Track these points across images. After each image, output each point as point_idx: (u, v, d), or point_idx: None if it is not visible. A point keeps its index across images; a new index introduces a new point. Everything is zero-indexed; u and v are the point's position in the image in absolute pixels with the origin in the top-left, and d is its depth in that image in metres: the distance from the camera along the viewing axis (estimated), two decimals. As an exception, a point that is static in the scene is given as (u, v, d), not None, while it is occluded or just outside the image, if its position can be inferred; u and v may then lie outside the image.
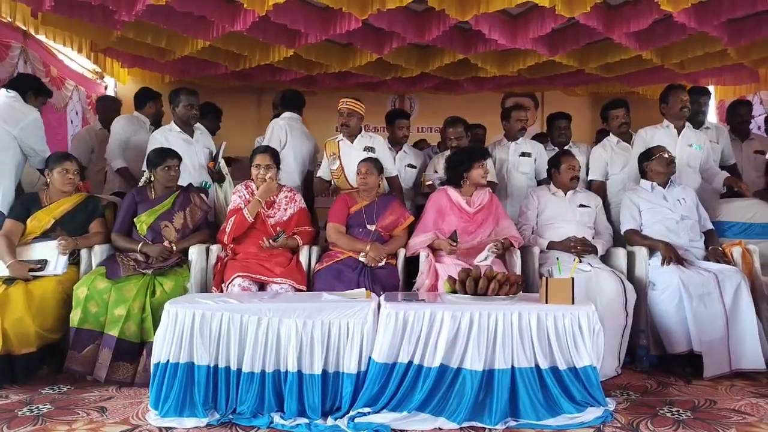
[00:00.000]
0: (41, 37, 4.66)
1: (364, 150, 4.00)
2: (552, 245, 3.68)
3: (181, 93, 4.09)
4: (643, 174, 3.85)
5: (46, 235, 3.39)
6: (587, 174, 4.49)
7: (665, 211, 3.67)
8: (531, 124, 5.59)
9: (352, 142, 4.07)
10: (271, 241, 3.42)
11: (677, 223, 3.63)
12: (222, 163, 4.12)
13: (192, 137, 4.12)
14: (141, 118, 4.55)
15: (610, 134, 4.46)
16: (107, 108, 4.90)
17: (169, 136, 4.02)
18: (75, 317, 3.07)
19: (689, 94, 4.50)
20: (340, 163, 4.00)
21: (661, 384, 3.12)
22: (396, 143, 4.62)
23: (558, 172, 3.87)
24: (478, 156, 3.64)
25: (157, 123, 4.67)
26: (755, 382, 3.13)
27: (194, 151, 4.07)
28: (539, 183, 4.46)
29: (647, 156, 3.80)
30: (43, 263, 3.27)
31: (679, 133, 4.10)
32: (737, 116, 4.82)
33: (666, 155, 3.72)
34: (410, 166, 4.57)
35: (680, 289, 3.25)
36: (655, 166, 3.75)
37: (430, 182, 4.15)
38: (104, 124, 4.70)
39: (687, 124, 4.16)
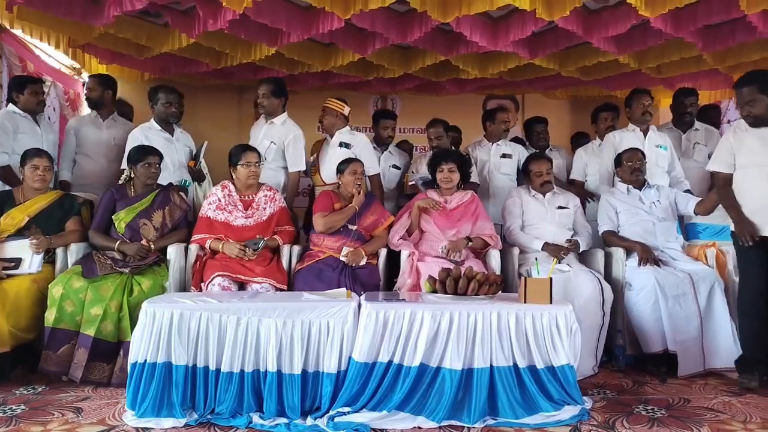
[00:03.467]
0: (18, 32, 4.57)
1: (339, 146, 4.02)
2: (546, 247, 3.66)
3: (159, 91, 4.06)
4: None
5: (20, 234, 3.33)
6: (568, 176, 4.60)
7: (641, 213, 3.73)
8: (512, 126, 5.64)
9: (331, 139, 4.08)
10: (251, 249, 3.35)
11: (653, 225, 3.70)
12: (203, 162, 4.08)
13: (172, 135, 4.08)
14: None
15: (599, 137, 4.54)
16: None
17: (149, 134, 3.98)
18: (50, 316, 3.03)
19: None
20: (317, 158, 4.02)
21: (636, 383, 3.17)
22: (381, 143, 4.65)
23: (529, 179, 3.94)
24: (441, 159, 3.74)
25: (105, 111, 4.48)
26: (728, 381, 3.19)
27: (174, 150, 4.04)
28: (519, 185, 4.51)
29: (617, 162, 3.92)
30: (18, 261, 3.21)
31: (645, 136, 4.22)
32: (707, 119, 4.91)
33: (630, 164, 3.81)
34: (394, 167, 4.59)
35: (656, 289, 3.31)
36: (621, 173, 3.90)
37: (413, 182, 4.17)
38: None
39: (651, 126, 4.31)
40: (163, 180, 3.74)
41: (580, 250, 3.73)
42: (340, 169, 3.70)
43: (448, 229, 3.62)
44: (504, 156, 4.59)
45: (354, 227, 3.58)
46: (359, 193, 3.62)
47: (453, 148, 4.66)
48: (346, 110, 4.17)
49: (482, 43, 4.24)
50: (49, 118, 4.99)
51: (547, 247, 3.66)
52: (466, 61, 4.95)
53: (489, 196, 4.56)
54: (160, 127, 4.03)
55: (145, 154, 3.54)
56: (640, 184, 3.83)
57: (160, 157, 3.61)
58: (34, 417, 2.54)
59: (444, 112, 4.92)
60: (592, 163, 4.48)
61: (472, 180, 4.23)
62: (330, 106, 4.15)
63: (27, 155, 3.47)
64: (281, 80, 4.40)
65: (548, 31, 4.44)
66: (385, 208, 3.84)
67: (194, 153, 4.16)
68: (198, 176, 4.06)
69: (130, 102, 5.19)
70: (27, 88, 3.91)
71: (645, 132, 4.25)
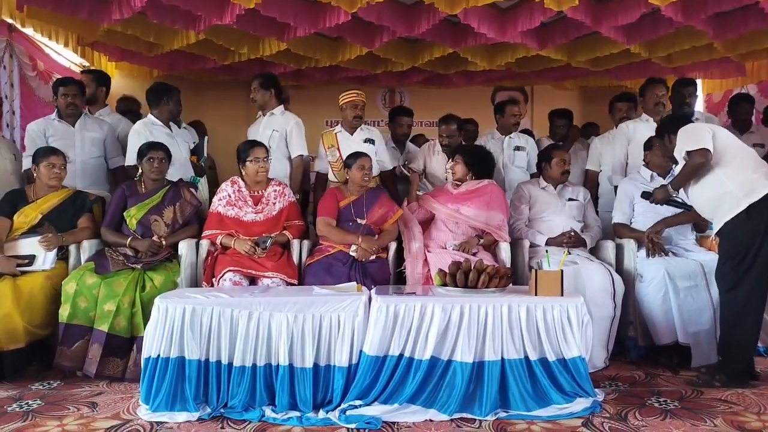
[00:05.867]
0: (28, 31, 4.60)
1: (364, 142, 4.02)
2: (549, 242, 3.68)
3: (173, 91, 4.06)
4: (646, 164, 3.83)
5: (33, 231, 3.37)
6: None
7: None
8: (522, 118, 5.61)
9: (351, 134, 4.07)
10: (260, 248, 3.35)
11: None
12: (204, 157, 4.10)
13: (172, 131, 4.08)
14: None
15: (615, 126, 4.49)
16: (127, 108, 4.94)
17: (152, 129, 3.96)
18: (64, 313, 3.06)
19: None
20: (340, 154, 4.01)
21: (649, 375, 3.15)
22: (397, 141, 4.64)
23: (549, 166, 3.88)
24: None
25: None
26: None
27: (177, 145, 4.01)
28: (532, 176, 4.49)
29: (648, 145, 3.77)
30: (31, 258, 3.25)
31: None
32: (740, 112, 4.84)
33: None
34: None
35: (666, 281, 3.27)
36: (650, 157, 3.75)
37: (400, 172, 4.20)
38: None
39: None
40: (167, 176, 3.74)
41: (588, 247, 3.71)
42: (348, 164, 3.68)
43: (450, 203, 3.65)
44: (517, 149, 4.56)
45: (363, 222, 3.58)
46: (368, 183, 3.64)
47: (467, 141, 4.64)
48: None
49: (490, 35, 4.22)
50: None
51: (551, 241, 3.65)
52: (474, 52, 4.93)
53: (504, 190, 4.52)
54: (161, 123, 4.03)
55: (148, 149, 3.56)
56: (666, 171, 3.74)
57: (165, 152, 3.60)
58: (50, 412, 2.58)
59: (452, 105, 4.90)
60: (606, 152, 4.43)
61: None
62: (365, 100, 4.08)
63: (41, 153, 3.49)
64: (271, 74, 4.41)
65: (557, 22, 4.42)
66: (393, 202, 3.83)
67: (194, 148, 4.17)
68: (201, 171, 4.08)
69: (140, 99, 5.21)
70: (58, 91, 3.96)
71: (658, 122, 4.20)
